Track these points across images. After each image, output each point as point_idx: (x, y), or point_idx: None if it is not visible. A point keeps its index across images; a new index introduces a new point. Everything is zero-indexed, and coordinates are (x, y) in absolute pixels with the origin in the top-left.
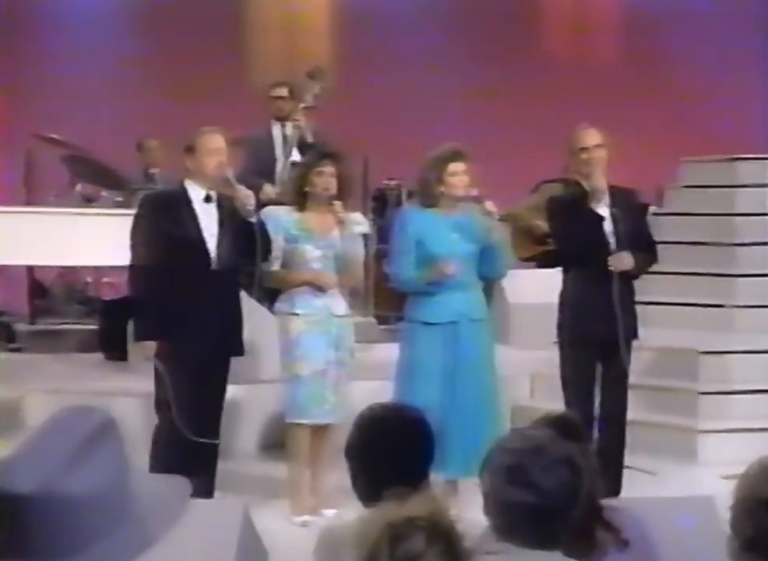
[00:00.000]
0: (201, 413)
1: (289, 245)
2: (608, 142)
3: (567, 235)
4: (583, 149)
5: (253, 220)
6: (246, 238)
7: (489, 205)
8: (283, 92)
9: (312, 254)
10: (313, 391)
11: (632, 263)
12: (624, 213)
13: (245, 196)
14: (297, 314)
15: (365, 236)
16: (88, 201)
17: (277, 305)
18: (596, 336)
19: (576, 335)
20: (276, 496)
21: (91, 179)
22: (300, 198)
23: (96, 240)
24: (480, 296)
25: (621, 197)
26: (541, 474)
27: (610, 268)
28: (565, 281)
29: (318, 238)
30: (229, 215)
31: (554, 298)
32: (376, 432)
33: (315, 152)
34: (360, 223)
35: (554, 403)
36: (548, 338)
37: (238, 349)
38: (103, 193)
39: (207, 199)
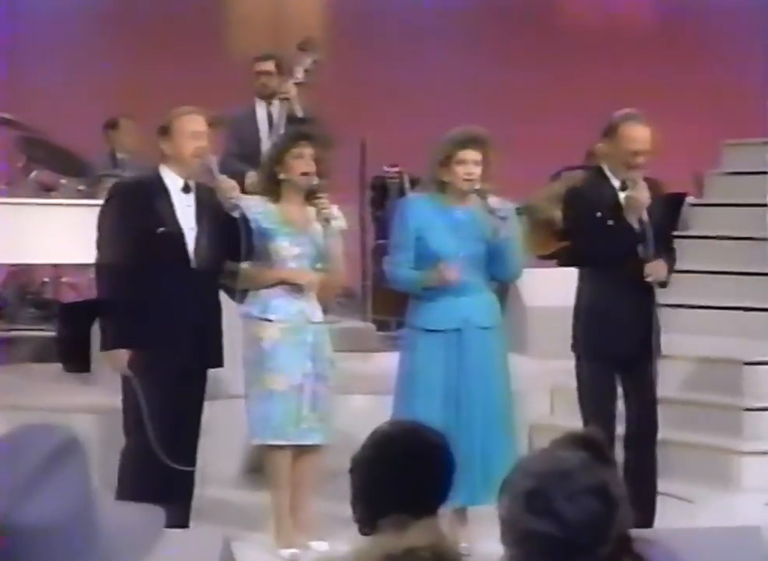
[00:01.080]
0: (177, 434)
1: (261, 241)
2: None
3: (588, 236)
4: (638, 152)
5: (236, 214)
6: (229, 235)
7: (493, 201)
8: (270, 66)
9: (289, 251)
10: (288, 408)
11: (666, 272)
12: (649, 209)
13: (229, 188)
14: (270, 320)
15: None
16: (45, 190)
17: (245, 309)
18: (615, 349)
19: (591, 346)
20: (259, 527)
21: (49, 165)
22: (274, 186)
23: (55, 234)
24: (490, 300)
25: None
26: (565, 502)
27: (648, 278)
28: (581, 283)
29: (296, 233)
30: (209, 208)
31: None
32: (387, 453)
33: (289, 132)
34: (336, 217)
35: (578, 419)
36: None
37: (218, 360)
38: (63, 181)
39: (186, 188)
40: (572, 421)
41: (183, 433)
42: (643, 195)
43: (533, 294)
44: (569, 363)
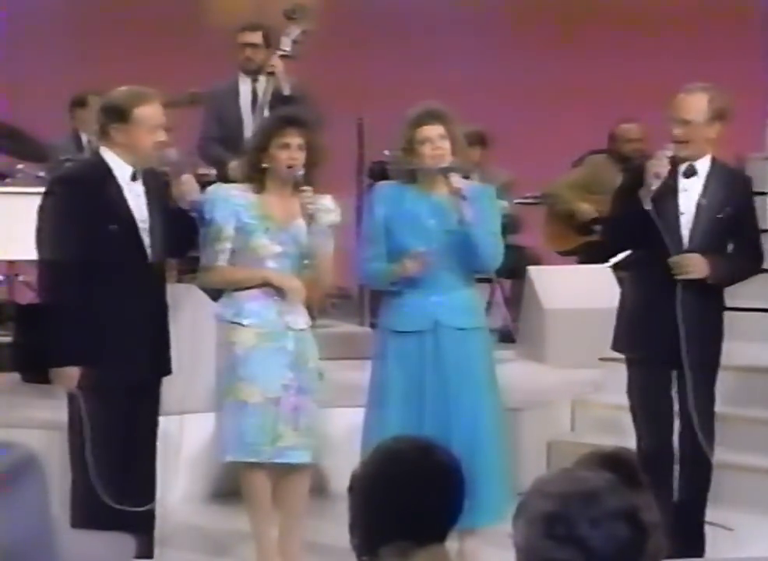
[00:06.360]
0: (131, 461)
1: (239, 236)
2: (719, 109)
3: (614, 223)
4: (681, 121)
5: (193, 214)
6: (184, 227)
7: (455, 180)
8: (255, 38)
9: (269, 249)
10: (263, 423)
11: (706, 270)
12: (720, 201)
13: (191, 190)
14: (243, 324)
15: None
16: (0, 177)
17: (218, 310)
18: (662, 357)
19: (639, 352)
20: (233, 555)
21: (3, 148)
22: (257, 175)
23: (9, 227)
24: (467, 298)
25: (720, 180)
26: (589, 528)
27: (678, 275)
28: (624, 283)
29: (277, 229)
30: (158, 195)
31: (602, 303)
32: (393, 471)
33: (274, 116)
34: (330, 210)
35: (603, 436)
36: (594, 353)
37: (168, 366)
38: (20, 166)
39: (134, 176)
40: (597, 438)
41: (138, 459)
42: (656, 165)
43: (552, 295)
44: (593, 372)
